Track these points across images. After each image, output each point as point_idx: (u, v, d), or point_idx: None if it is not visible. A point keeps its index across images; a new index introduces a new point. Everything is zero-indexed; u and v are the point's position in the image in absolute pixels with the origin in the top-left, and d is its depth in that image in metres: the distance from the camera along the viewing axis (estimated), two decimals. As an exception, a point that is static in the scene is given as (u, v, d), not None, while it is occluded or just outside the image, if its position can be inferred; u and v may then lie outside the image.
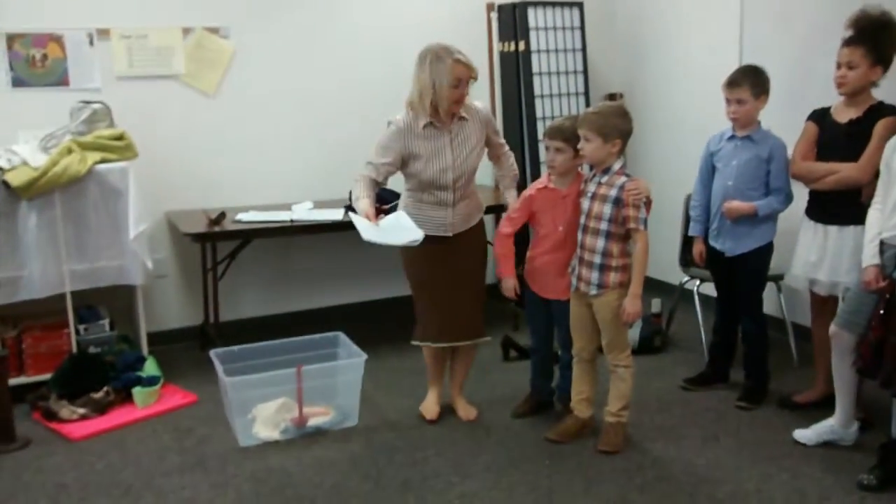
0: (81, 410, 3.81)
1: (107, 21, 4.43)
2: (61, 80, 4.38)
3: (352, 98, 4.99)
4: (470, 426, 3.71)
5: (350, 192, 3.74)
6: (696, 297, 4.44)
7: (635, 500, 3.03)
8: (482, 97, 5.26)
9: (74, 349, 4.10)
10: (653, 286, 5.39)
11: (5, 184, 3.81)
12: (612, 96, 5.59)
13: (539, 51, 5.11)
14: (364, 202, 3.37)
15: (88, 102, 4.20)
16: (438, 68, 3.31)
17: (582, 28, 5.27)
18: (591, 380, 3.53)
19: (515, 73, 5.17)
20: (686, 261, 4.37)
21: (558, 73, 5.21)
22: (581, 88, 5.30)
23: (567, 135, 3.33)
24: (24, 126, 4.17)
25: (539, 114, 5.12)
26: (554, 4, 5.16)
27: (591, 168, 3.40)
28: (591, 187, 3.33)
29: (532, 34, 5.09)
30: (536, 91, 5.12)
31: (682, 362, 4.35)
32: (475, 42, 5.19)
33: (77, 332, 4.13)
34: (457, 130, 3.47)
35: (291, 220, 4.39)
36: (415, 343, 3.68)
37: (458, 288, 3.58)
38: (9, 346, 3.98)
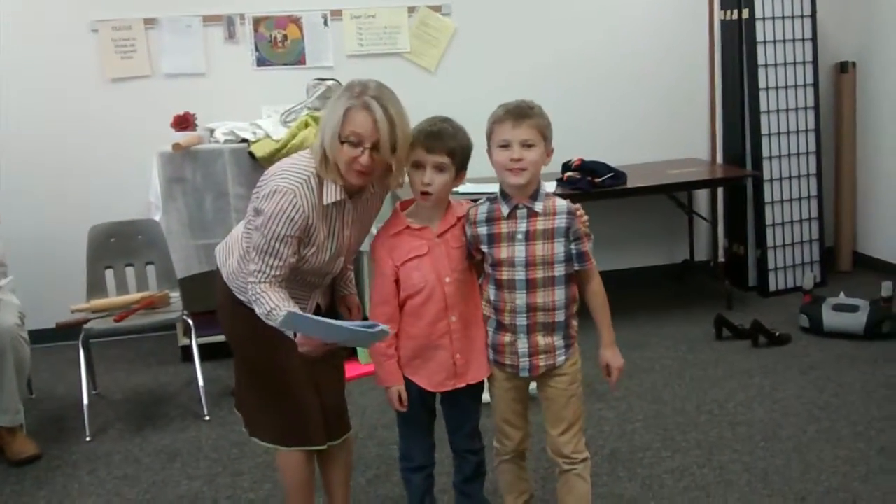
0: (313, 363, 4.16)
1: (340, 2, 4.73)
2: (298, 60, 4.74)
3: (567, 76, 4.97)
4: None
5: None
6: (934, 282, 4.13)
7: (857, 489, 2.91)
8: (701, 68, 5.17)
9: (306, 307, 4.46)
10: (883, 268, 5.08)
11: (251, 154, 4.20)
12: (842, 65, 5.26)
13: (764, 18, 4.89)
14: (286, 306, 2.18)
15: (323, 79, 4.51)
16: (333, 108, 2.20)
17: (812, -8, 5.00)
18: (527, 475, 2.67)
19: (738, 42, 4.98)
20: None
21: (784, 42, 4.96)
22: (809, 57, 5.03)
23: (452, 145, 2.27)
24: (267, 102, 4.57)
25: (762, 84, 4.92)
26: (782, -31, 4.93)
27: (497, 199, 2.36)
28: (521, 224, 2.33)
29: (757, 1, 4.88)
30: (760, 60, 4.91)
31: (914, 350, 4.07)
32: (695, 10, 5.14)
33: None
34: (364, 199, 2.39)
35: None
36: (283, 450, 2.48)
37: (325, 366, 2.45)
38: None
